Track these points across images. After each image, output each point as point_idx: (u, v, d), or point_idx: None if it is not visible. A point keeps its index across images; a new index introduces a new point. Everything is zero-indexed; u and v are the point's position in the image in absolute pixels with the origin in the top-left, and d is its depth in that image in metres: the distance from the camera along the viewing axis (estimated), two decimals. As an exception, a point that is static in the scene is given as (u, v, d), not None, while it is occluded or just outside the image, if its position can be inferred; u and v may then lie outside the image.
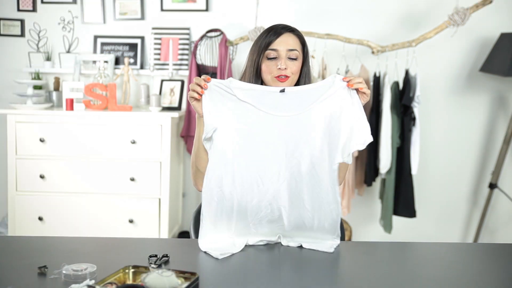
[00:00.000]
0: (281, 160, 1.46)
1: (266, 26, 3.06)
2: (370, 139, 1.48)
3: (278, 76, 1.56)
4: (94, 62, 3.36)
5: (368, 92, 1.49)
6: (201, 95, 1.46)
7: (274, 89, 1.47)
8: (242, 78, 1.66)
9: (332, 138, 1.46)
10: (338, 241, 1.50)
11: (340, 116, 1.46)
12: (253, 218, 1.47)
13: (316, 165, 1.45)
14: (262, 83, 1.62)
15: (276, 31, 1.57)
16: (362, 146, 1.47)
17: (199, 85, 1.45)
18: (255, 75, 1.60)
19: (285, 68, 1.55)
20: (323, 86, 1.47)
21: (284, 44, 1.56)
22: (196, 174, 1.60)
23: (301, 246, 1.49)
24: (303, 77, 1.64)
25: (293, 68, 1.57)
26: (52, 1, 3.41)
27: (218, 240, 1.47)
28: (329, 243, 1.47)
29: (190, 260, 1.36)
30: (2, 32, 3.44)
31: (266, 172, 1.46)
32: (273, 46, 1.56)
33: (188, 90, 3.21)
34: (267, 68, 1.57)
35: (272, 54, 1.57)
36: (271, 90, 1.47)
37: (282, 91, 1.46)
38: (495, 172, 3.16)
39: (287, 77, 1.57)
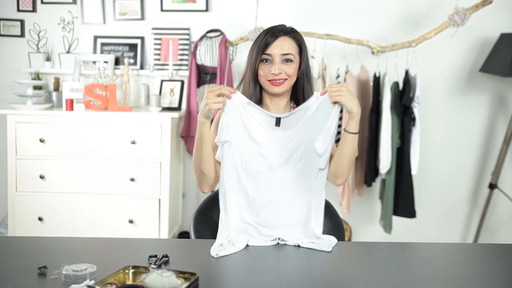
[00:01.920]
0: (279, 168, 1.56)
1: (266, 26, 3.07)
2: (320, 149, 1.54)
3: (271, 80, 1.60)
4: (94, 62, 3.36)
5: (340, 96, 1.51)
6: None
7: (271, 120, 1.55)
8: (243, 81, 1.68)
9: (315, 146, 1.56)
10: (335, 240, 1.52)
11: (323, 126, 1.55)
12: (254, 220, 1.56)
13: (305, 173, 1.56)
14: (260, 87, 1.66)
15: (273, 33, 1.59)
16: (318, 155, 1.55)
17: (223, 94, 1.50)
18: (254, 79, 1.63)
19: (280, 73, 1.58)
20: (308, 106, 1.55)
21: (279, 48, 1.58)
22: (201, 177, 1.62)
23: (298, 246, 1.50)
24: (301, 79, 1.66)
25: (289, 71, 1.60)
26: (52, 2, 3.41)
27: (220, 239, 1.49)
28: (327, 244, 1.49)
29: (190, 260, 1.36)
30: (2, 33, 3.44)
31: (267, 181, 1.56)
32: (267, 50, 1.58)
33: (189, 89, 3.23)
34: (262, 71, 1.61)
35: (266, 58, 1.59)
36: (269, 119, 1.55)
37: (278, 124, 1.55)
38: (495, 172, 3.16)
39: (282, 80, 1.60)
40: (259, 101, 1.68)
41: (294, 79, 1.64)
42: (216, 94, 1.48)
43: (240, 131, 1.54)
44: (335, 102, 1.51)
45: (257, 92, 1.65)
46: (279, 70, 1.58)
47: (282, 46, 1.58)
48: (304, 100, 1.67)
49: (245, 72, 1.67)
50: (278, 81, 1.59)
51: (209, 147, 1.56)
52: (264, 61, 1.60)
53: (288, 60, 1.59)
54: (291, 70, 1.60)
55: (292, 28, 1.64)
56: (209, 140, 1.55)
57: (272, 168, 1.55)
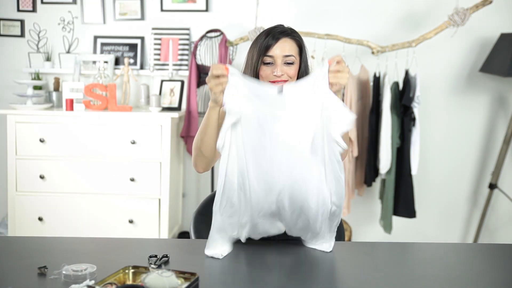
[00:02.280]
0: (289, 155, 1.40)
1: (266, 26, 3.07)
2: (350, 119, 1.39)
3: (274, 82, 1.60)
4: (94, 62, 3.36)
5: (343, 79, 1.42)
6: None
7: (273, 90, 1.41)
8: None
9: (323, 129, 1.40)
10: (333, 241, 1.49)
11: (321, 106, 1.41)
12: (259, 213, 1.42)
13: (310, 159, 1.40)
14: None
15: (274, 35, 1.59)
16: (345, 127, 1.40)
17: (220, 75, 1.39)
18: None
19: (282, 74, 1.58)
20: (311, 78, 1.42)
21: (280, 50, 1.59)
22: (199, 157, 1.61)
23: (300, 244, 1.49)
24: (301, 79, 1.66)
25: (290, 72, 1.61)
26: (52, 2, 3.41)
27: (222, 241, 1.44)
28: (327, 244, 1.47)
29: (190, 260, 1.36)
30: (2, 33, 3.44)
31: (274, 167, 1.40)
32: (269, 52, 1.59)
33: (189, 89, 3.22)
34: (264, 73, 1.61)
35: (268, 60, 1.59)
36: (270, 92, 1.41)
37: (281, 91, 1.40)
38: (495, 172, 3.16)
39: (283, 82, 1.59)
40: None
41: (295, 79, 1.65)
42: (213, 78, 1.40)
43: (247, 109, 1.39)
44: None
45: None
46: (282, 72, 1.58)
47: (283, 48, 1.59)
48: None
49: (243, 72, 1.67)
50: (280, 83, 1.60)
51: (214, 132, 1.52)
52: (266, 62, 1.60)
53: (289, 62, 1.60)
54: (292, 71, 1.61)
55: (291, 29, 1.65)
56: (215, 125, 1.52)
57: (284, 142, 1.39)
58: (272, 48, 1.58)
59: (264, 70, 1.60)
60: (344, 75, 1.44)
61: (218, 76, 1.41)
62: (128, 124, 2.97)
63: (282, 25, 1.65)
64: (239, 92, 1.40)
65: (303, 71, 1.66)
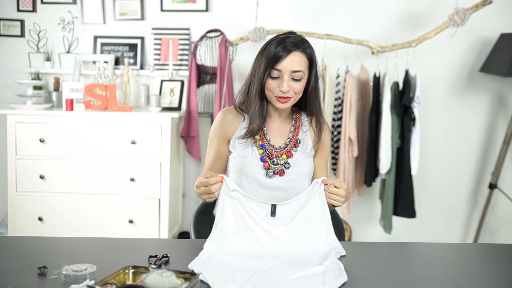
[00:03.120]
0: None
1: (266, 27, 3.08)
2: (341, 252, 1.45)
3: (279, 97, 1.56)
4: (94, 62, 3.36)
5: (337, 202, 1.47)
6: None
7: (266, 209, 1.46)
8: (245, 89, 1.64)
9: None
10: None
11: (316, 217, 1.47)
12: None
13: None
14: (267, 99, 1.61)
15: (285, 47, 1.53)
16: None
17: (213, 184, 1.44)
18: (260, 94, 1.59)
19: (288, 90, 1.54)
20: (306, 194, 1.48)
21: (289, 64, 1.52)
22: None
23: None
24: (310, 94, 1.62)
25: (296, 88, 1.55)
26: (52, 2, 3.41)
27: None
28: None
29: (190, 260, 1.36)
30: (2, 33, 3.44)
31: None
32: (277, 65, 1.53)
33: (189, 89, 3.22)
34: (269, 86, 1.56)
35: (275, 73, 1.54)
36: (263, 207, 1.46)
37: (273, 213, 1.45)
38: (495, 172, 3.16)
39: (288, 98, 1.56)
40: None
41: (301, 95, 1.60)
42: (206, 192, 1.45)
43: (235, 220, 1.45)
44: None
45: (264, 106, 1.61)
46: (288, 87, 1.53)
47: (292, 62, 1.53)
48: (311, 112, 1.65)
49: (250, 83, 1.62)
50: (285, 98, 1.56)
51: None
52: (273, 75, 1.54)
53: (297, 78, 1.54)
54: (299, 87, 1.56)
55: (303, 39, 1.58)
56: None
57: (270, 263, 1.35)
58: (281, 61, 1.52)
59: (270, 83, 1.55)
60: (337, 198, 1.47)
61: (211, 186, 1.43)
62: (128, 124, 2.97)
63: (295, 34, 1.58)
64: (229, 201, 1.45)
65: (312, 86, 1.61)
